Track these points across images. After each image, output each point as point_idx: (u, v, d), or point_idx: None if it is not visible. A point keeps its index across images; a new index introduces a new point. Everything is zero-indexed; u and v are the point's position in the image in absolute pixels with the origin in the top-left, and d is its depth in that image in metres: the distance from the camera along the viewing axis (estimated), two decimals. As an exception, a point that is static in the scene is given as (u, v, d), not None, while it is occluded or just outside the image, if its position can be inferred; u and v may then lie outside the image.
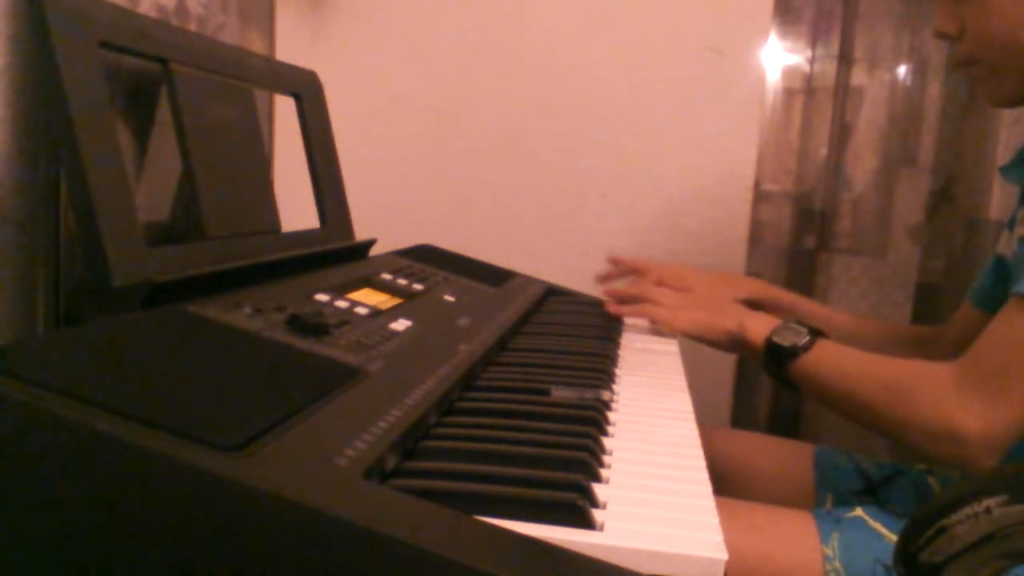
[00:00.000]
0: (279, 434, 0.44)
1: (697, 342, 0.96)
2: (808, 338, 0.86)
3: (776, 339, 0.87)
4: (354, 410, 0.51)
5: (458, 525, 0.41)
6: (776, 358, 0.87)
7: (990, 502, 0.50)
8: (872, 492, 0.98)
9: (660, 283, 1.05)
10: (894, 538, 0.75)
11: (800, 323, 0.88)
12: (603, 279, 1.12)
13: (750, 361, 0.97)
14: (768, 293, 1.11)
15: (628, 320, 1.07)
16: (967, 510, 0.50)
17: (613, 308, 1.02)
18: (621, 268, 1.12)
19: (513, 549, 0.40)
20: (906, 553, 0.52)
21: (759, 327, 0.90)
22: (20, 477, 0.41)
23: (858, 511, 0.79)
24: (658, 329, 1.03)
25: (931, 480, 0.97)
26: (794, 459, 1.04)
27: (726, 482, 1.01)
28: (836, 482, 0.99)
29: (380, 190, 1.44)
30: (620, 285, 1.09)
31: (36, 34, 0.60)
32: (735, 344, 0.93)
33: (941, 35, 0.83)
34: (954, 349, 0.99)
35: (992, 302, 0.95)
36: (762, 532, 0.77)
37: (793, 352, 0.85)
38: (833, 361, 0.84)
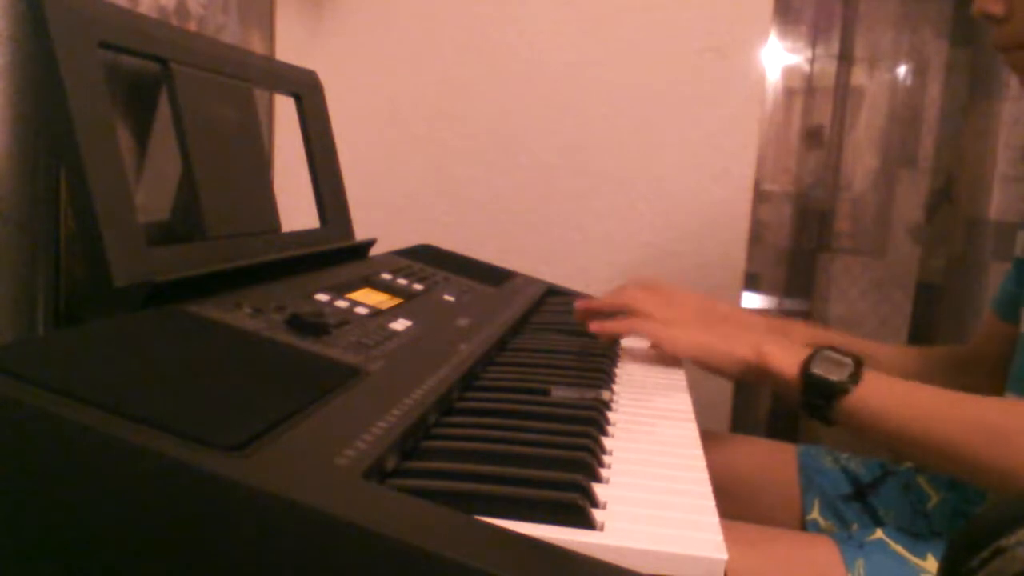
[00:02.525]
0: (279, 434, 0.44)
1: (699, 367, 0.82)
2: (853, 368, 0.73)
3: (817, 371, 0.74)
4: (354, 410, 0.51)
5: (458, 525, 0.41)
6: (820, 395, 0.74)
7: None
8: (861, 496, 0.95)
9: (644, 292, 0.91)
10: (916, 561, 0.73)
11: (832, 348, 0.76)
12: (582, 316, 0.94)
13: (767, 390, 0.83)
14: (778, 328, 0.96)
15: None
16: None
17: (596, 328, 0.85)
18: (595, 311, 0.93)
19: (513, 549, 0.40)
20: None
21: (784, 355, 0.77)
22: (20, 477, 0.41)
23: (878, 533, 0.76)
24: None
25: (920, 480, 0.95)
26: (777, 462, 1.00)
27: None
28: (822, 486, 0.97)
29: (380, 190, 1.44)
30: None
31: (36, 34, 0.60)
32: (750, 374, 0.79)
33: (984, 16, 0.77)
34: (994, 368, 0.96)
35: (1017, 310, 0.93)
36: (786, 562, 0.74)
37: (842, 388, 0.72)
38: (895, 397, 0.73)
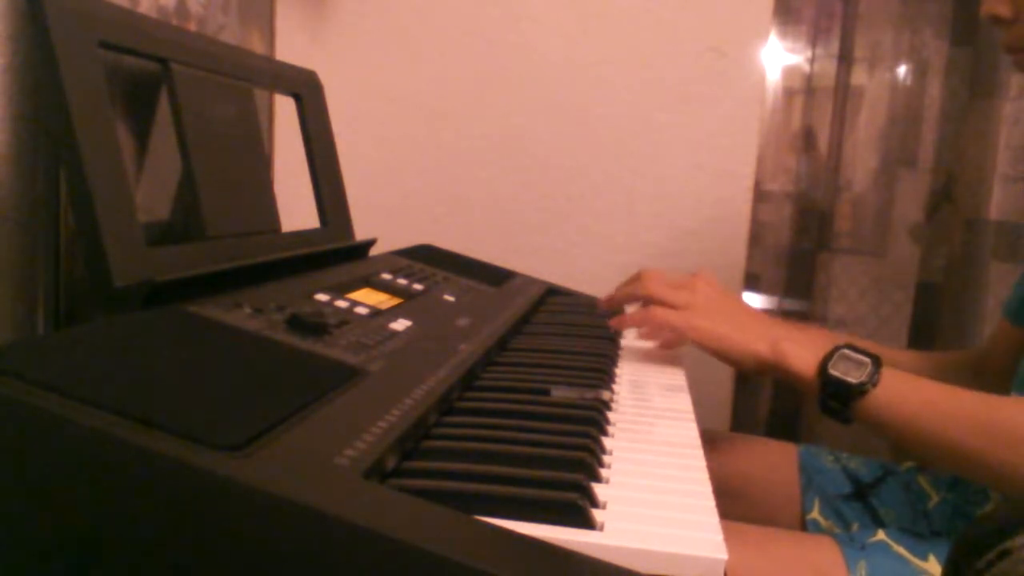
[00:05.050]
0: (279, 434, 0.44)
1: (714, 357, 0.82)
2: (872, 368, 0.73)
3: (836, 373, 0.73)
4: (354, 410, 0.51)
5: (458, 525, 0.41)
6: (837, 397, 0.73)
7: None
8: (862, 496, 0.95)
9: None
10: (918, 562, 0.73)
11: (852, 347, 0.75)
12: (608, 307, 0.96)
13: (768, 389, 0.81)
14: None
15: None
16: None
17: (615, 323, 0.89)
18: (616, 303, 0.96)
19: (513, 549, 0.40)
20: None
21: (803, 353, 0.76)
22: (20, 477, 0.41)
23: (880, 535, 0.76)
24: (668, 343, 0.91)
25: (921, 480, 0.95)
26: (777, 462, 1.00)
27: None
28: (823, 485, 0.97)
29: (380, 190, 1.44)
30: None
31: (36, 34, 0.60)
32: (766, 369, 0.79)
33: (992, 18, 0.77)
34: (1004, 372, 0.96)
35: None
36: (787, 563, 0.74)
37: (860, 390, 0.72)
38: (912, 397, 0.72)
